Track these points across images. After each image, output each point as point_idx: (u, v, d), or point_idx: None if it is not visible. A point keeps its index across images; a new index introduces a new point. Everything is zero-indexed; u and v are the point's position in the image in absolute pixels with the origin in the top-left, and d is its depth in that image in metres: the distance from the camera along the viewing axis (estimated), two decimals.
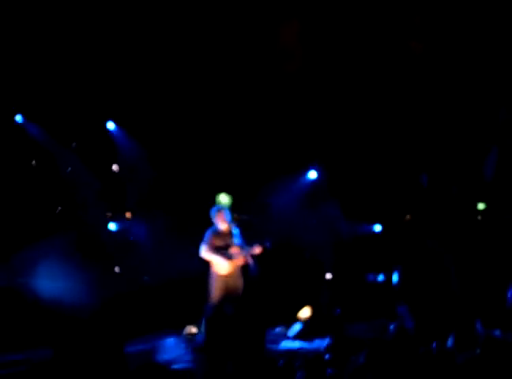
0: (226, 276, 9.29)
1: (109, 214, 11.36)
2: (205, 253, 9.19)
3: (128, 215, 11.57)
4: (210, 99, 11.24)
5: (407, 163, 11.61)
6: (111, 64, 10.74)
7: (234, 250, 9.20)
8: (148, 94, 11.00)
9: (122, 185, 11.44)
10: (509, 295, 9.79)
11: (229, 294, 9.36)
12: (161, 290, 10.74)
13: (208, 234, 9.22)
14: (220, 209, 9.23)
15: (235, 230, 9.30)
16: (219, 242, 9.22)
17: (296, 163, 11.68)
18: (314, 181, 12.17)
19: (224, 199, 10.86)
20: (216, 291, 9.31)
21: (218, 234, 9.23)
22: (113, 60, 10.65)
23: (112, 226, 11.32)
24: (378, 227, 12.15)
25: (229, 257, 9.18)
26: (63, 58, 10.45)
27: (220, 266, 9.24)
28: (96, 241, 10.76)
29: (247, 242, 9.22)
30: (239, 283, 9.41)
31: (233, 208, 10.52)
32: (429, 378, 6.07)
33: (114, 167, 10.77)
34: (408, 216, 11.52)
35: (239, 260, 9.21)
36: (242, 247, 9.22)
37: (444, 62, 11.30)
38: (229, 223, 9.25)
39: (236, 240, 9.27)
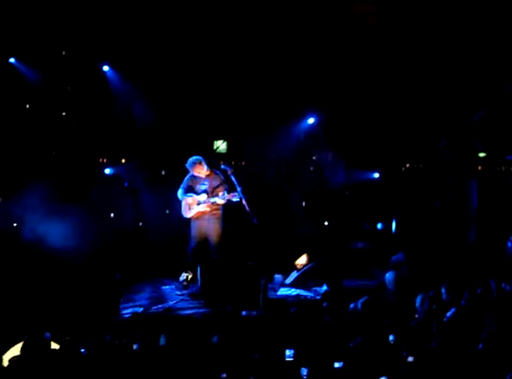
0: (194, 219, 9.82)
1: (104, 159, 11.60)
2: (179, 194, 9.80)
3: (123, 160, 11.78)
4: (209, 46, 11.30)
5: (407, 114, 11.79)
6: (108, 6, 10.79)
7: (200, 197, 9.65)
8: (146, 36, 11.04)
9: (118, 130, 11.57)
10: (509, 245, 10.14)
11: (201, 236, 9.86)
12: (156, 237, 11.03)
13: (185, 178, 9.83)
14: (197, 160, 9.58)
15: (218, 177, 9.69)
16: (193, 184, 9.75)
17: (295, 109, 11.90)
18: (312, 128, 12.40)
19: (220, 144, 11.28)
20: (192, 233, 9.92)
21: (195, 178, 9.76)
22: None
23: (107, 171, 11.53)
24: (376, 175, 12.41)
25: (194, 202, 9.66)
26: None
27: (185, 209, 9.83)
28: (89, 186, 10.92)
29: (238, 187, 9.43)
30: (209, 227, 9.80)
31: (229, 155, 11.14)
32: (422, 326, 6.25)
33: None
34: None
35: (205, 206, 9.61)
36: (208, 194, 9.65)
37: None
38: (206, 171, 9.65)
39: (204, 187, 9.70)
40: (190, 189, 9.85)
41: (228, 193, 9.56)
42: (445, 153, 11.31)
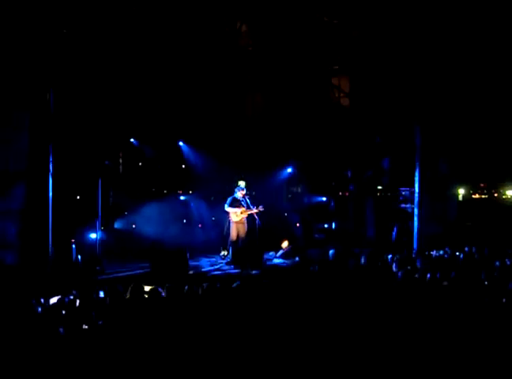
0: (237, 223, 14.65)
1: (180, 191, 17.28)
2: (226, 207, 14.62)
3: (190, 191, 17.07)
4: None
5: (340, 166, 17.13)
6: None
7: (242, 209, 14.57)
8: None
9: (187, 175, 17.15)
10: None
11: (239, 234, 14.70)
12: (207, 231, 16.57)
13: (229, 198, 14.76)
14: (241, 188, 14.93)
15: (245, 199, 14.65)
16: (234, 204, 14.63)
17: (279, 162, 17.24)
18: (290, 173, 17.85)
19: (241, 183, 15.91)
20: (232, 232, 14.72)
21: (235, 199, 14.71)
22: None
23: (182, 197, 17.06)
24: (324, 198, 17.77)
25: (239, 211, 14.54)
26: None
27: (234, 216, 14.56)
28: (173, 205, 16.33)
29: (251, 205, 14.55)
30: (245, 227, 14.78)
31: (246, 188, 15.60)
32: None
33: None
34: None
35: (245, 213, 14.56)
36: (246, 208, 14.57)
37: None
38: (243, 195, 14.71)
39: (244, 204, 14.66)
40: (234, 206, 14.49)
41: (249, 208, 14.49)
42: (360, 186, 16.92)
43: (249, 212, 14.62)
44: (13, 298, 8.03)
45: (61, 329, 6.54)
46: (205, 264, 14.77)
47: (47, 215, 11.80)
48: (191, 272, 13.14)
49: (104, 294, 8.96)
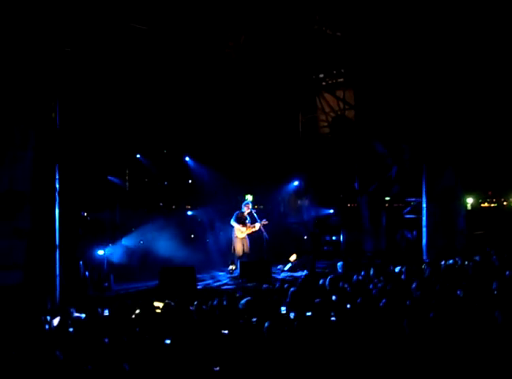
0: (242, 239, 15.12)
1: (188, 206, 17.62)
2: (232, 222, 15.11)
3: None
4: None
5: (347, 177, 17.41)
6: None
7: (247, 225, 15.10)
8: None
9: (196, 190, 17.59)
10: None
11: (244, 248, 15.14)
12: (215, 245, 16.79)
13: (236, 213, 15.24)
14: (247, 203, 15.49)
15: (252, 214, 15.11)
16: (241, 219, 15.14)
17: (285, 175, 17.52)
18: (297, 186, 18.15)
19: (249, 197, 16.90)
20: (237, 247, 15.15)
21: (242, 214, 15.22)
22: None
23: (189, 212, 17.44)
24: (331, 210, 17.95)
25: (244, 227, 15.00)
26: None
27: (239, 232, 15.08)
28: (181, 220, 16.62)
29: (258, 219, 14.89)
30: (248, 241, 15.22)
31: (253, 203, 16.24)
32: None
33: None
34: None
35: (250, 230, 15.05)
36: (252, 223, 15.02)
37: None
38: (250, 210, 15.18)
39: (250, 219, 15.15)
40: (239, 221, 15.05)
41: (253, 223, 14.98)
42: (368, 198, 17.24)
43: (253, 230, 15.01)
44: (19, 317, 8.06)
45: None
46: (213, 278, 14.99)
47: (54, 233, 11.76)
48: (200, 287, 13.33)
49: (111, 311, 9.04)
